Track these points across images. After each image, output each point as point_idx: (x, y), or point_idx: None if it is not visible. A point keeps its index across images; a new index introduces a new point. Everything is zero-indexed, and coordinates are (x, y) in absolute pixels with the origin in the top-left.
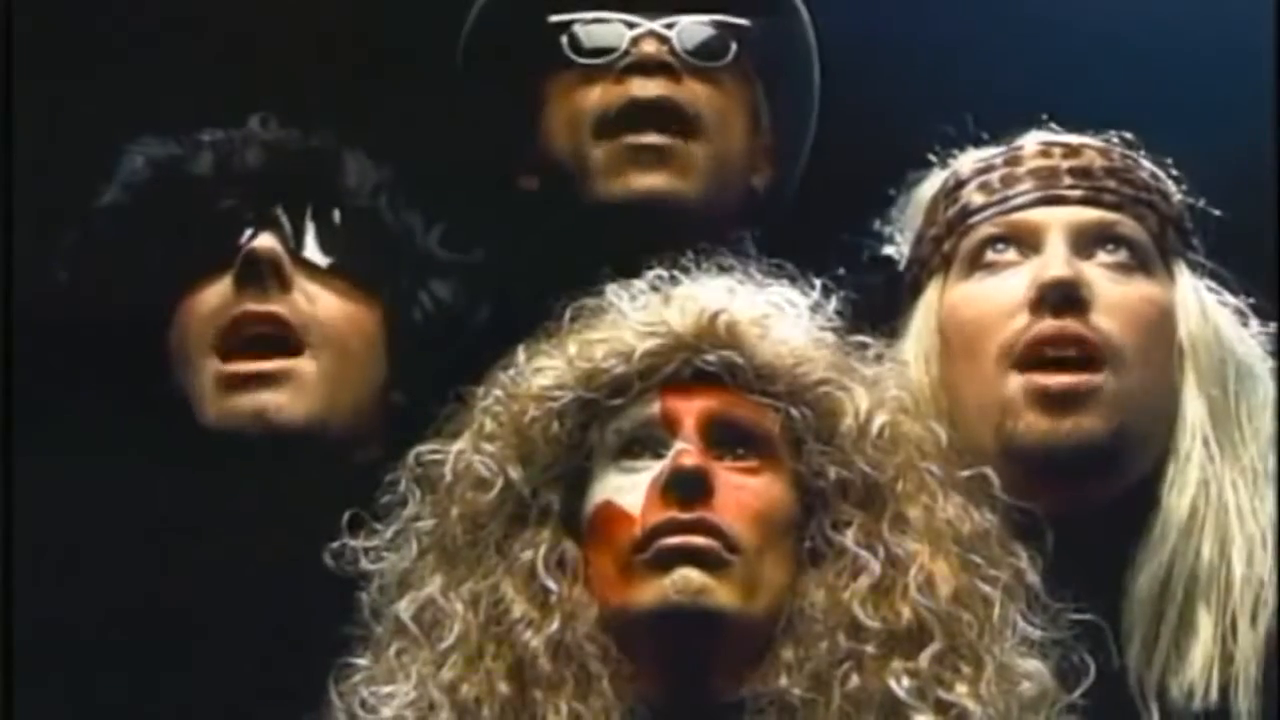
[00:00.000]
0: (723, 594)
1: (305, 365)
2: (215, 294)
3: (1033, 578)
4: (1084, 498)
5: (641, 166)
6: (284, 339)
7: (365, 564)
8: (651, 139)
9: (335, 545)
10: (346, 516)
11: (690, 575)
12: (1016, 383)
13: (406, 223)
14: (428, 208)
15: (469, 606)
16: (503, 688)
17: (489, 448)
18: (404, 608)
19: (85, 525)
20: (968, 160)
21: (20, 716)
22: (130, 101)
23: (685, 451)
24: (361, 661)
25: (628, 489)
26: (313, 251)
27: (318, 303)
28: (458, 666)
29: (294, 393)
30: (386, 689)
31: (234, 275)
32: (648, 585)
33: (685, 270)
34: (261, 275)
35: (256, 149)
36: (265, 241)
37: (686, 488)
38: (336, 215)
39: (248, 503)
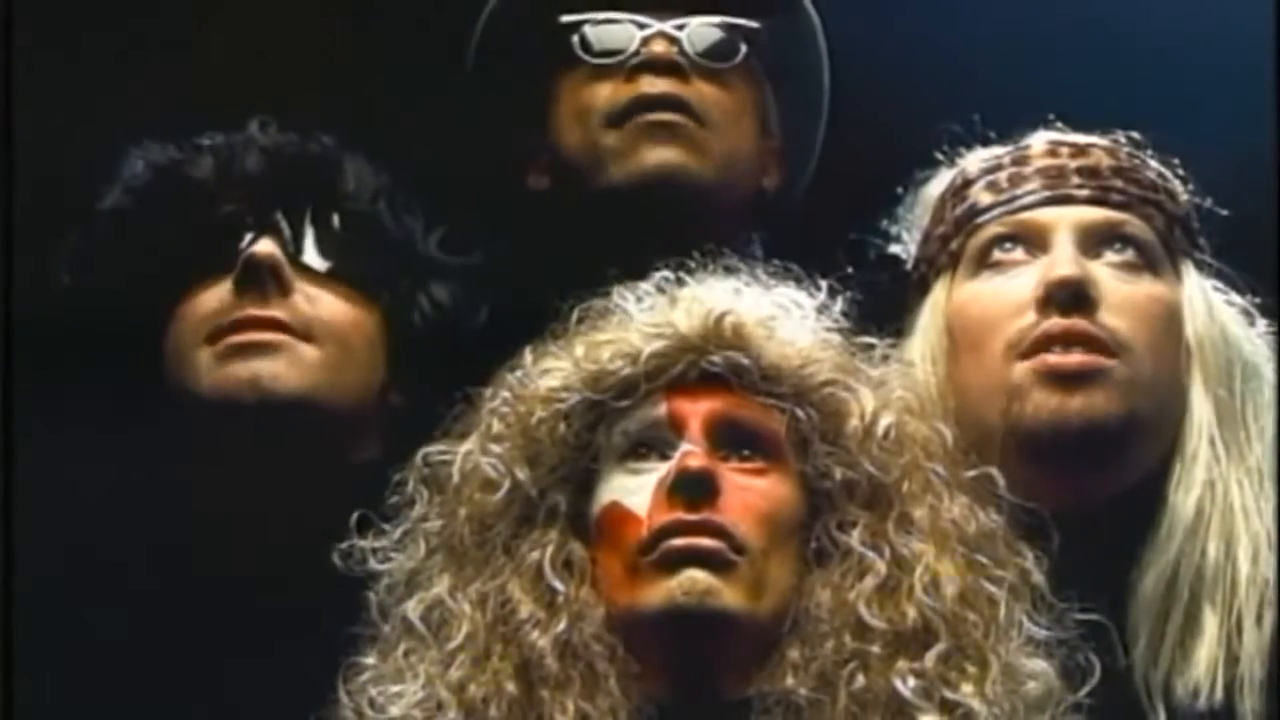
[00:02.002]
0: (729, 595)
1: (306, 348)
2: (215, 298)
3: (1038, 578)
4: (1089, 490)
5: (655, 141)
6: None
7: (373, 564)
8: (664, 117)
9: (344, 546)
10: (354, 517)
11: (697, 576)
12: (1024, 367)
13: (406, 227)
14: (428, 211)
15: (476, 607)
16: (510, 687)
17: (496, 449)
18: (412, 608)
19: (86, 525)
20: (975, 159)
21: (21, 711)
22: (130, 105)
23: (691, 453)
24: (369, 661)
25: (634, 490)
26: (312, 256)
27: (318, 305)
28: (465, 666)
29: (291, 364)
30: (394, 688)
31: (234, 280)
32: (655, 586)
33: (691, 272)
34: (261, 280)
35: (256, 154)
36: (265, 246)
37: (692, 489)
38: (336, 220)
39: (251, 502)
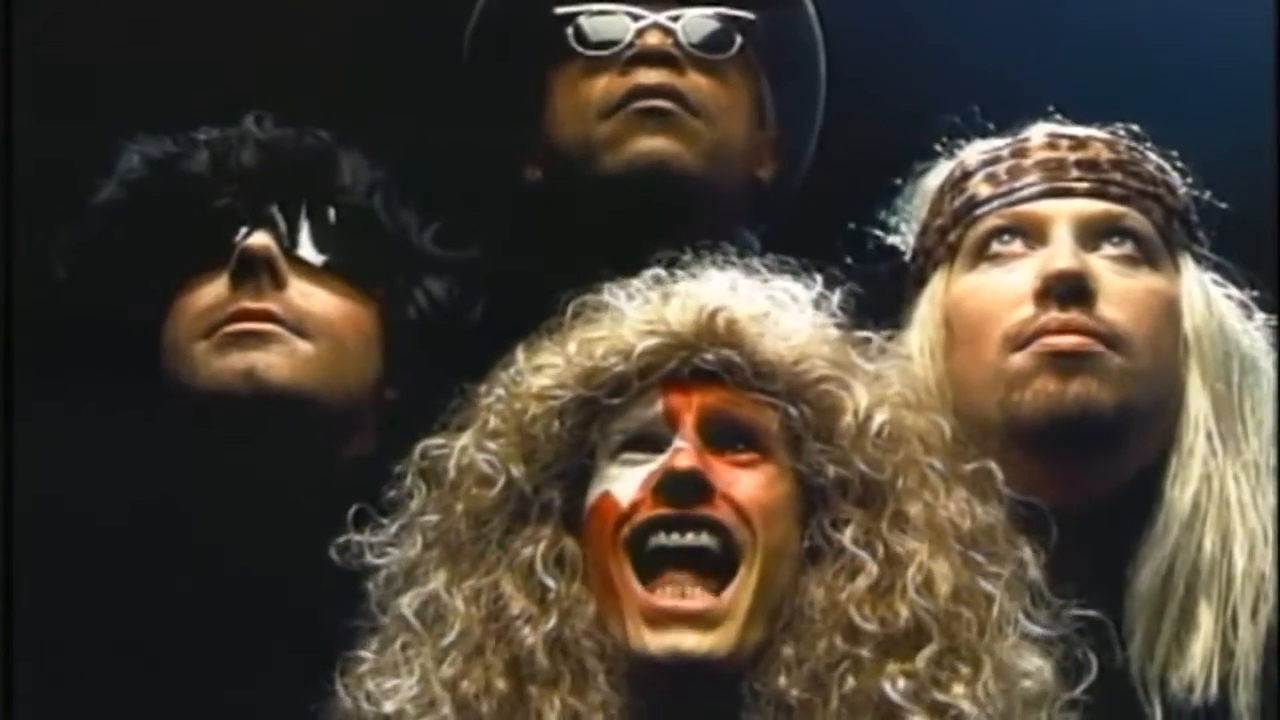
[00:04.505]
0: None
1: (301, 343)
2: (211, 292)
3: (1035, 573)
4: (1086, 483)
5: (647, 130)
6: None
7: (370, 559)
8: (657, 104)
9: (341, 540)
10: (352, 511)
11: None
12: (1023, 354)
13: (402, 221)
14: (423, 206)
15: (470, 602)
16: (500, 684)
17: (492, 445)
18: (407, 603)
19: (85, 520)
20: (974, 151)
21: (21, 707)
22: (128, 100)
23: (682, 451)
24: (367, 654)
25: (626, 480)
26: (307, 250)
27: (312, 300)
28: (458, 663)
29: (286, 356)
30: (391, 682)
31: (229, 273)
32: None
33: (685, 267)
34: (256, 273)
35: (252, 148)
36: (260, 239)
37: (679, 490)
38: (331, 214)
39: (248, 497)
